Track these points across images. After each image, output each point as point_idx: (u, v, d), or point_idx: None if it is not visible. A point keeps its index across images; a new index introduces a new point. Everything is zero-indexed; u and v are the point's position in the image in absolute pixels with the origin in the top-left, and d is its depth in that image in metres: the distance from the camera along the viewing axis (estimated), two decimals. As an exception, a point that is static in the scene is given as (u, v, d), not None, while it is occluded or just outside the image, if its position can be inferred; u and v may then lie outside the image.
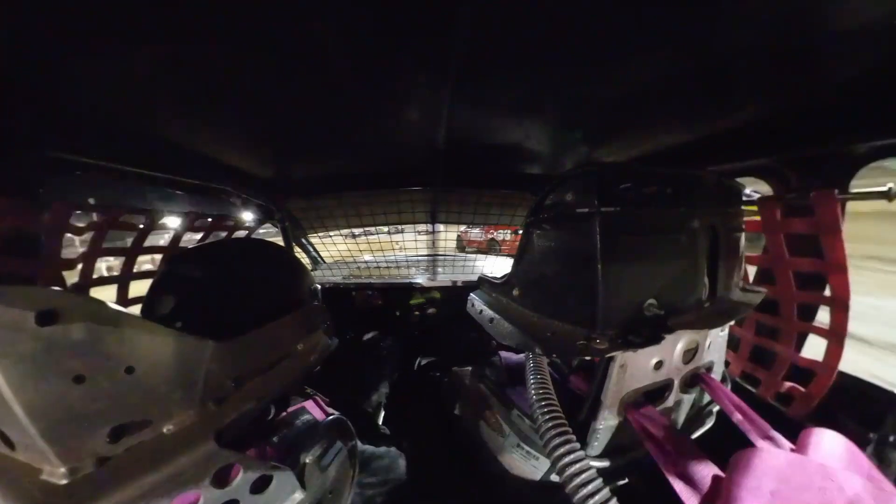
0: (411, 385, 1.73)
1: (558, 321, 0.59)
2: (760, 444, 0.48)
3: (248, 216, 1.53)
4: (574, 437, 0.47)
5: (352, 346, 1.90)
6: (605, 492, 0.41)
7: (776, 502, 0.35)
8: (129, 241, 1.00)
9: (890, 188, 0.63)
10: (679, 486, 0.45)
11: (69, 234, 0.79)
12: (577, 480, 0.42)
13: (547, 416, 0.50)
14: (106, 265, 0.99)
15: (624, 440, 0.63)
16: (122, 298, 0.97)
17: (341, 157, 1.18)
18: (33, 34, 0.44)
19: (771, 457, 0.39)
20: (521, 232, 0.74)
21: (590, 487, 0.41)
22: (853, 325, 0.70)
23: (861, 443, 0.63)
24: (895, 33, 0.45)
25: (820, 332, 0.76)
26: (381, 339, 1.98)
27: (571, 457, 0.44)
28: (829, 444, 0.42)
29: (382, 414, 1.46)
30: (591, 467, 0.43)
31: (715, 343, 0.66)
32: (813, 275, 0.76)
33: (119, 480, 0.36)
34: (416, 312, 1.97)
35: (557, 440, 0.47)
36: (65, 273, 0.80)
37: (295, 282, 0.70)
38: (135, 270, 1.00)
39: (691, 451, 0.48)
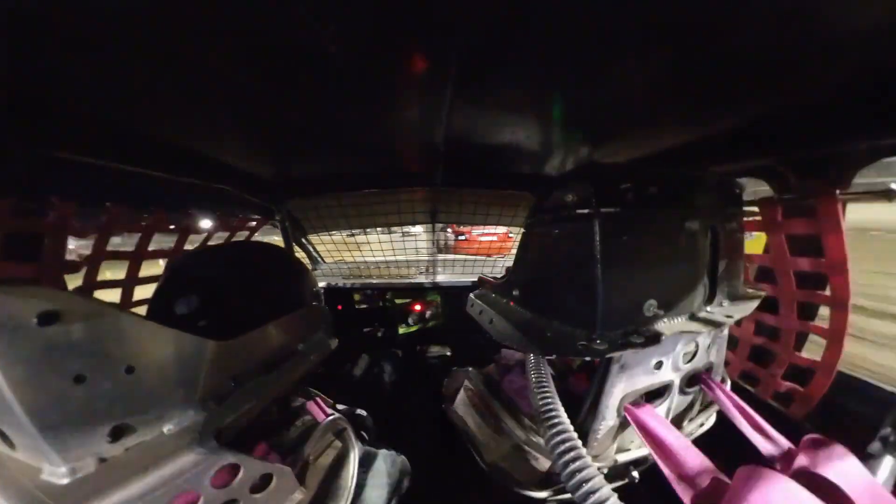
0: (411, 385, 1.73)
1: (558, 321, 0.59)
2: (768, 453, 0.48)
3: (248, 216, 1.54)
4: (577, 437, 0.47)
5: (352, 346, 1.90)
6: (608, 492, 0.41)
7: None
8: (128, 242, 1.00)
9: (890, 188, 0.62)
10: (678, 487, 0.45)
11: (71, 235, 0.79)
12: (581, 479, 0.42)
13: (550, 416, 0.50)
14: (108, 267, 0.99)
15: (624, 440, 0.63)
16: (126, 300, 0.97)
17: (341, 157, 1.18)
18: (34, 35, 0.44)
19: (780, 485, 0.38)
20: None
21: (592, 486, 0.41)
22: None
23: (861, 442, 0.63)
24: (894, 33, 0.45)
25: (820, 331, 0.76)
26: (381, 339, 1.98)
27: (574, 457, 0.44)
28: (827, 455, 0.42)
29: (382, 414, 1.46)
30: (594, 468, 0.43)
31: (715, 343, 0.66)
32: (813, 274, 0.76)
33: (119, 480, 0.36)
34: (416, 312, 1.97)
35: (560, 440, 0.47)
36: (66, 274, 0.80)
37: (295, 283, 0.70)
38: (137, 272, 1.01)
39: (691, 452, 0.48)
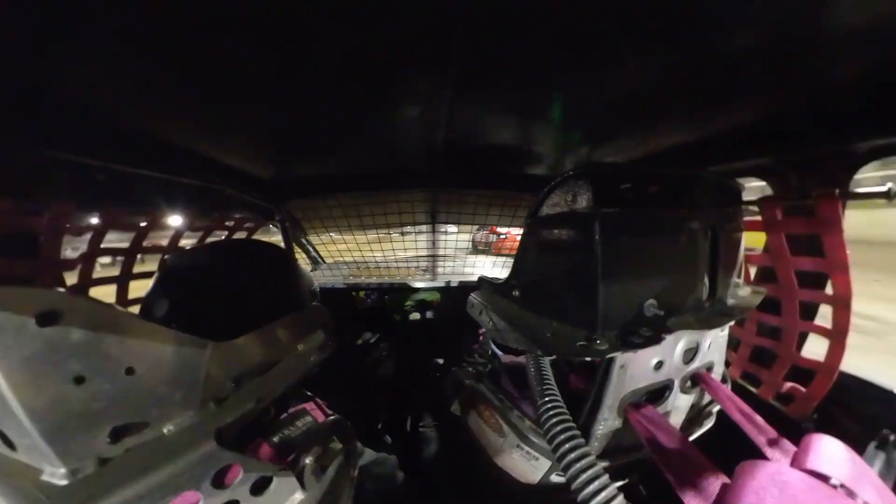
0: (410, 386, 1.73)
1: (558, 322, 0.59)
2: (769, 453, 0.48)
3: (248, 217, 1.53)
4: (580, 436, 0.47)
5: (351, 347, 1.90)
6: (614, 490, 0.41)
7: None
8: (129, 242, 1.00)
9: (890, 188, 0.62)
10: (679, 487, 0.45)
11: (69, 235, 0.79)
12: (587, 479, 0.42)
13: (552, 416, 0.50)
14: (105, 265, 0.99)
15: (624, 440, 0.63)
16: (122, 299, 0.97)
17: (341, 157, 1.19)
18: (34, 33, 0.44)
19: (781, 474, 0.38)
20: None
21: (598, 485, 0.41)
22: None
23: (861, 442, 0.63)
24: (895, 33, 0.45)
25: (822, 331, 0.76)
26: (381, 340, 1.98)
27: (579, 455, 0.44)
28: (831, 453, 0.42)
29: (382, 415, 1.46)
30: (599, 467, 0.43)
31: (715, 343, 0.66)
32: (814, 274, 0.76)
33: (119, 481, 0.36)
34: (416, 313, 1.97)
35: (563, 439, 0.46)
36: (64, 273, 0.80)
37: (294, 283, 0.70)
38: (135, 271, 1.01)
39: (691, 452, 0.48)
